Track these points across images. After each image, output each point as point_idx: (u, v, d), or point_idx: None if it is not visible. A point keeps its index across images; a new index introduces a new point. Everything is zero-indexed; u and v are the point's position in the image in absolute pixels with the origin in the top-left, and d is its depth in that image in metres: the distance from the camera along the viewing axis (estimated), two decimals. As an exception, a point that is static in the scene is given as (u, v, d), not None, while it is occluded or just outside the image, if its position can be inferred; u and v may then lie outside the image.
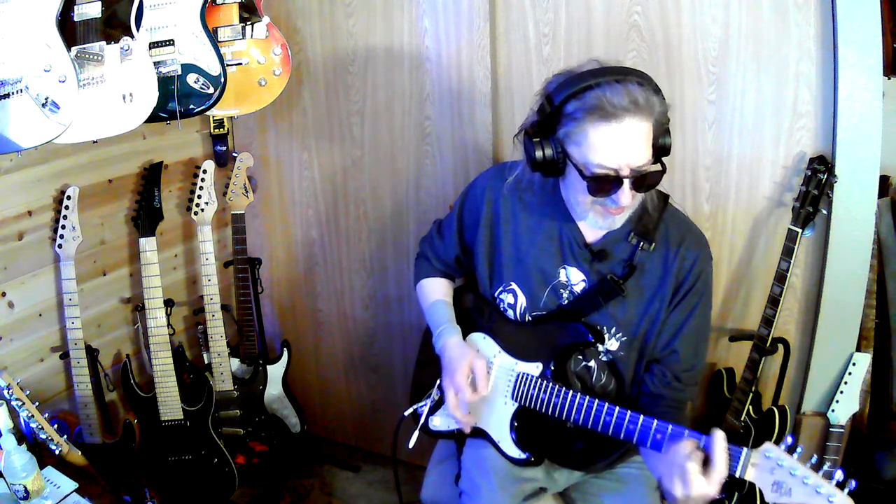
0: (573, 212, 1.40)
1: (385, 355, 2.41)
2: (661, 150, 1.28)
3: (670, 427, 1.20)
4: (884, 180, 1.90)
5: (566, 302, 1.44)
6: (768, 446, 1.06)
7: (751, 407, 1.78)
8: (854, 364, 1.71)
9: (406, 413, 1.59)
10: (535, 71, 1.91)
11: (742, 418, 1.78)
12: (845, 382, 1.72)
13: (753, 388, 1.75)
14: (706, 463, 1.13)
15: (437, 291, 1.62)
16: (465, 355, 1.44)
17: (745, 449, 1.09)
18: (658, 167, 1.28)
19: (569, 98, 1.24)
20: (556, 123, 1.27)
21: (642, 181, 1.26)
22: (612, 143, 1.21)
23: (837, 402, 1.73)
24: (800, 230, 1.63)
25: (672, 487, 1.15)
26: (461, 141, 2.04)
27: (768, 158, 1.73)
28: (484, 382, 1.42)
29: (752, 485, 1.11)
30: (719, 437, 1.12)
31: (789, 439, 1.07)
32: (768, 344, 1.69)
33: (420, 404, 1.57)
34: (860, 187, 1.62)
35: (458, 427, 1.51)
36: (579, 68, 1.28)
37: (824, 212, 1.62)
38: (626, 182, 1.24)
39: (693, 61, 1.74)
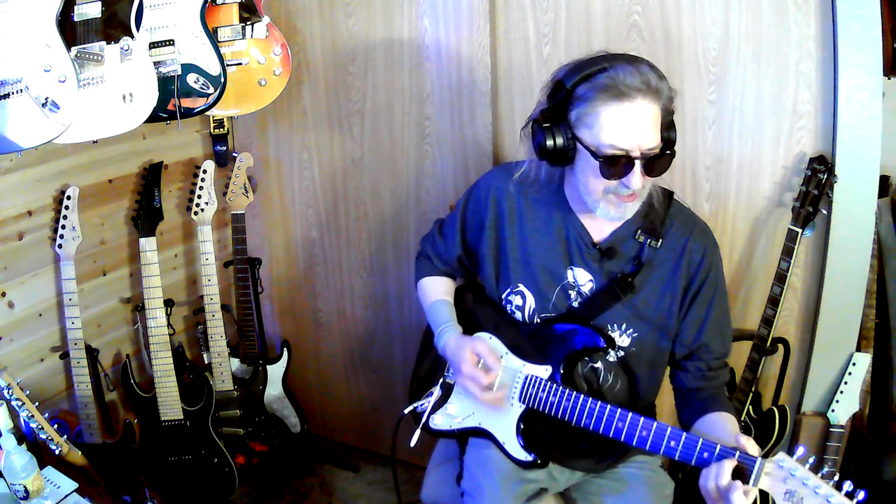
0: (582, 205, 1.39)
1: (385, 355, 2.40)
2: (667, 139, 1.28)
3: (684, 435, 1.20)
4: (884, 180, 1.89)
5: (576, 304, 1.44)
6: (782, 456, 1.09)
7: (751, 407, 1.78)
8: (854, 364, 1.71)
9: (406, 411, 1.58)
10: (535, 71, 1.91)
11: (742, 418, 1.78)
12: (845, 382, 1.72)
13: (753, 388, 1.76)
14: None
15: (437, 291, 1.62)
16: (465, 345, 1.44)
17: (759, 458, 1.11)
18: (668, 152, 1.28)
19: (581, 81, 1.25)
20: (567, 107, 1.27)
21: (653, 164, 1.26)
22: (625, 123, 1.22)
23: (837, 402, 1.73)
24: (800, 230, 1.63)
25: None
26: (461, 141, 2.04)
27: (768, 158, 1.73)
28: (494, 359, 1.42)
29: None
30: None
31: (801, 450, 1.10)
32: (768, 344, 1.69)
33: (420, 402, 1.57)
34: (860, 187, 1.62)
35: (460, 427, 1.51)
36: (587, 56, 1.28)
37: (824, 212, 1.62)
38: (638, 164, 1.24)
39: (693, 61, 1.73)
